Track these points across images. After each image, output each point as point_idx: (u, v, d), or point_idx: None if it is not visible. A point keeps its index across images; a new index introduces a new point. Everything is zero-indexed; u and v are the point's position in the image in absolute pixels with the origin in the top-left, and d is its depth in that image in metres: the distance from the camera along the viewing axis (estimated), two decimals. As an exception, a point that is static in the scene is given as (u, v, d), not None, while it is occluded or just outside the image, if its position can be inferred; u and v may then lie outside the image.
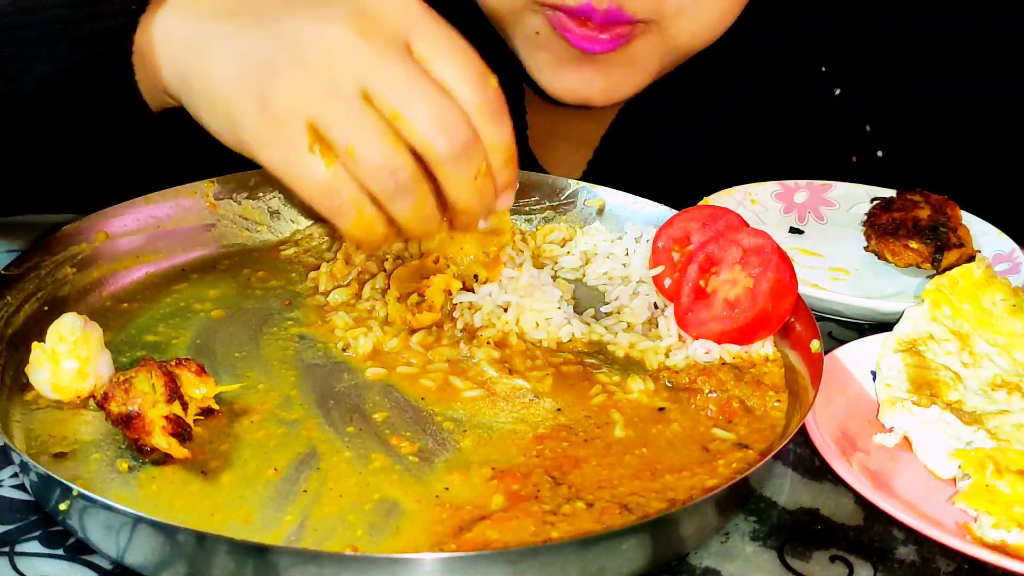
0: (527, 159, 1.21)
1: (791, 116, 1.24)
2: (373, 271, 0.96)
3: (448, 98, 0.75)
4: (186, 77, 0.82)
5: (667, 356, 0.88)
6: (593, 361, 0.88)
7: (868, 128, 1.24)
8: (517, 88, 1.18)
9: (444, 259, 0.93)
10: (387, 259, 0.96)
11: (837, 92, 1.23)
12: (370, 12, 0.75)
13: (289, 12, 0.77)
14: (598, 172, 1.22)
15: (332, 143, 0.75)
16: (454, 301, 0.91)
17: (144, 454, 0.74)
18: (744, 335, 0.87)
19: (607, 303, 0.96)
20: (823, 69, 1.23)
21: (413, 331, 0.89)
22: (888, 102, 1.24)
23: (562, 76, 1.08)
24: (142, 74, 0.85)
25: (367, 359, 0.87)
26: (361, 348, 0.87)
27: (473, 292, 0.92)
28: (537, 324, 0.90)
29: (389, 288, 0.92)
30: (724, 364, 0.87)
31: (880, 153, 1.24)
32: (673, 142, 1.23)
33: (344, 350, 0.88)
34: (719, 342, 0.88)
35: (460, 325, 0.90)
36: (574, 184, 1.08)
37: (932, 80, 1.26)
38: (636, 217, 1.04)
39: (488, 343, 0.88)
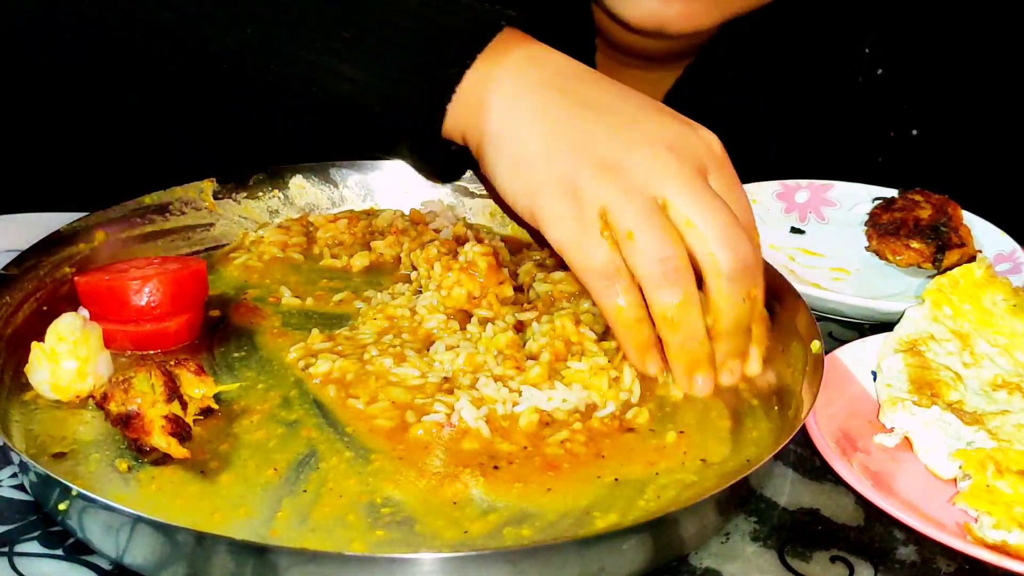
0: None
1: (830, 97, 1.24)
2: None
3: (739, 224, 0.81)
4: (497, 134, 0.84)
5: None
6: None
7: (905, 107, 1.25)
8: (589, 42, 1.18)
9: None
10: None
11: (879, 72, 1.23)
12: (685, 138, 0.83)
13: (613, 110, 0.83)
14: None
15: (616, 228, 0.80)
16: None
17: (144, 454, 0.74)
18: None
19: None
20: (866, 51, 1.24)
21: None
22: (926, 83, 1.25)
23: (641, 1, 1.08)
24: (455, 109, 0.86)
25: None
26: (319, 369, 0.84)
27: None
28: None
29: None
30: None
31: (915, 132, 1.25)
32: (725, 116, 1.23)
33: (305, 368, 0.85)
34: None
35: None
36: None
37: (932, 80, 1.26)
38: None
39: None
